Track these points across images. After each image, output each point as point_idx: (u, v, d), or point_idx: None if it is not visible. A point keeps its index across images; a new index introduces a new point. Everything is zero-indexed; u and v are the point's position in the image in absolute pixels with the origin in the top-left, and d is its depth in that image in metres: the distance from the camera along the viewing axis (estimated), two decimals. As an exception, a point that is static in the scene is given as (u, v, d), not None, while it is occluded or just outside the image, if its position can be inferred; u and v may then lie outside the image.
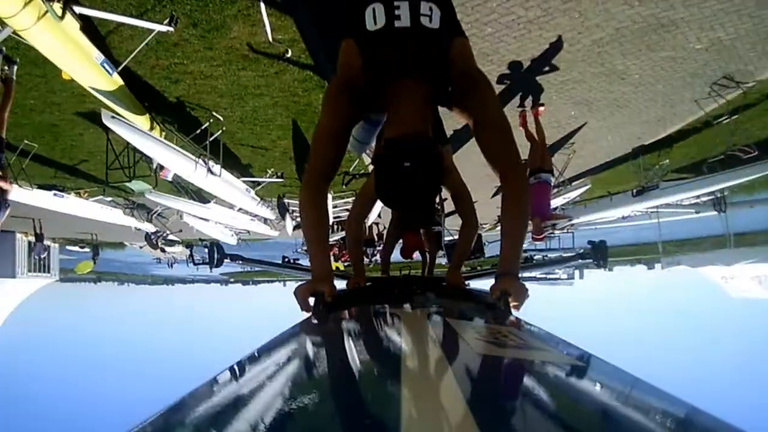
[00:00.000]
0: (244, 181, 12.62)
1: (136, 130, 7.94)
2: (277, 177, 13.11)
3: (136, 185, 11.37)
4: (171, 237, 22.64)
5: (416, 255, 6.73)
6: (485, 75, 2.27)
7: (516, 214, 2.24)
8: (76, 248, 29.34)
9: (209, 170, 10.03)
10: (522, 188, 2.29)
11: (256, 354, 1.35)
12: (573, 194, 13.20)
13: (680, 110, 10.50)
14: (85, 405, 49.11)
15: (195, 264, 4.56)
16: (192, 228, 18.85)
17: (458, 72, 2.24)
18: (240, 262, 4.13)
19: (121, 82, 7.44)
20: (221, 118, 9.56)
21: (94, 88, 7.10)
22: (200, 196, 14.40)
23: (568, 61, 8.10)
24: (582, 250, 4.61)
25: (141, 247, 29.06)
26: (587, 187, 13.45)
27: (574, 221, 15.10)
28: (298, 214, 17.18)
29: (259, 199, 13.88)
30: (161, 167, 10.37)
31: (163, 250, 22.26)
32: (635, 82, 9.00)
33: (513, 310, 2.06)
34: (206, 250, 4.22)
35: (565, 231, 17.43)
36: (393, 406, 0.81)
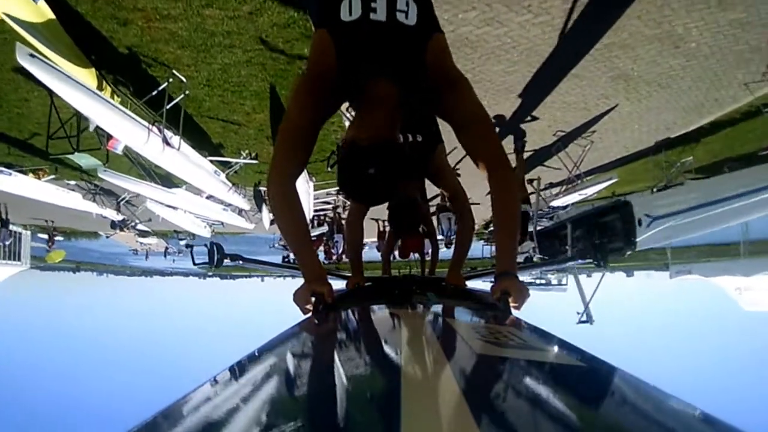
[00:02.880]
0: (212, 161, 10.49)
1: (64, 77, 5.90)
2: (251, 158, 11.03)
3: (82, 159, 9.12)
4: (140, 227, 20.73)
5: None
6: (461, 72, 2.13)
7: (507, 211, 2.16)
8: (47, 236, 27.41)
9: (165, 141, 7.89)
10: (510, 182, 2.16)
11: (256, 353, 1.27)
12: (592, 190, 11.25)
13: (724, 95, 8.80)
14: (63, 397, 47.16)
15: (195, 264, 3.70)
16: (159, 217, 16.93)
17: (435, 70, 2.06)
18: (240, 262, 3.69)
19: (50, 14, 5.66)
20: (184, 79, 7.56)
21: (11, 17, 5.29)
22: (167, 180, 12.28)
23: (623, 17, 6.35)
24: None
25: (108, 237, 27.19)
26: (613, 181, 11.45)
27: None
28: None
29: (230, 185, 11.77)
30: (108, 137, 8.19)
31: (123, 227, 19.53)
32: (689, 53, 7.29)
33: (513, 310, 2.01)
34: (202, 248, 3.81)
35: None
36: (393, 406, 0.76)
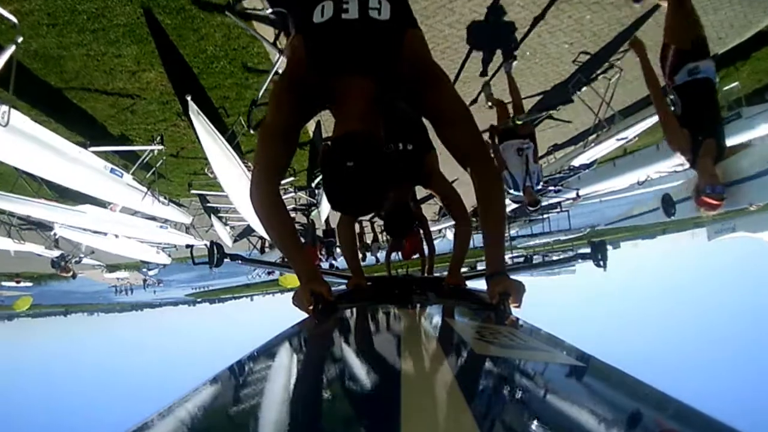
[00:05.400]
0: (96, 153, 6.55)
1: None
2: (156, 143, 7.49)
3: None
4: (88, 261, 17.41)
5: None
6: (440, 67, 2.06)
7: (494, 207, 2.10)
8: (12, 283, 25.45)
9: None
10: (494, 177, 2.14)
11: (256, 353, 1.29)
12: (634, 131, 7.55)
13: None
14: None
15: (195, 264, 3.42)
16: (82, 245, 13.93)
17: (412, 66, 1.97)
18: (240, 262, 3.50)
19: None
20: (13, 19, 4.40)
21: None
22: (77, 195, 8.47)
23: None
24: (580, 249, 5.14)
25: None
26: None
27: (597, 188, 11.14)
28: (225, 215, 12.92)
29: (145, 189, 7.92)
30: None
31: (64, 264, 15.94)
32: None
33: (513, 309, 1.96)
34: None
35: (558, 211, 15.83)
36: (393, 406, 0.73)
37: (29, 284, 26.72)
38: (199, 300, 65.04)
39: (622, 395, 0.95)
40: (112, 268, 24.84)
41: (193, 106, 5.65)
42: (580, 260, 3.51)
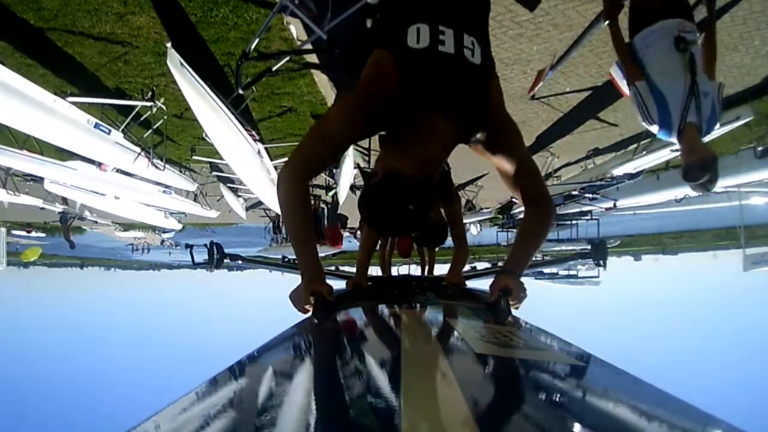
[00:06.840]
0: (76, 104, 5.60)
1: None
2: (146, 99, 6.50)
3: None
4: (90, 218, 17.01)
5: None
6: (511, 117, 2.08)
7: (535, 240, 2.11)
8: (23, 232, 25.87)
9: None
10: (548, 218, 2.12)
11: (256, 354, 1.29)
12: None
13: None
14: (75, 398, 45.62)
15: (195, 265, 3.64)
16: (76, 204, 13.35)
17: (493, 113, 1.96)
18: (240, 262, 3.76)
19: None
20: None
21: None
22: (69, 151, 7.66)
23: None
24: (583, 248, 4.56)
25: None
26: (745, 121, 6.65)
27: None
28: (237, 185, 11.97)
29: (138, 150, 7.06)
30: None
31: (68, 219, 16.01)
32: None
33: (512, 310, 1.99)
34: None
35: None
36: (393, 406, 0.76)
37: (42, 235, 26.90)
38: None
39: (622, 394, 0.95)
40: (126, 227, 24.52)
41: (174, 56, 4.59)
42: (579, 259, 3.83)
